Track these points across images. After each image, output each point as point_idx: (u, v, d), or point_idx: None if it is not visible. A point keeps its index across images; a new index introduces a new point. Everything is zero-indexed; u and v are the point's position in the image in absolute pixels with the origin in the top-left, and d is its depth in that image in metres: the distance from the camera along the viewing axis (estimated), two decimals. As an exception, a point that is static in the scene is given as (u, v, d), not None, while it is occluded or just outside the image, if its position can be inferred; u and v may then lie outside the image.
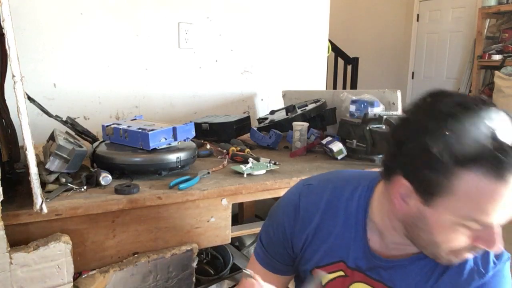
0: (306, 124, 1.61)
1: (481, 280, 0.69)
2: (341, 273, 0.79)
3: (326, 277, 0.48)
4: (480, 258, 0.71)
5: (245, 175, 1.25)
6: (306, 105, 1.84)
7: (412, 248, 0.72)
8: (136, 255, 1.09)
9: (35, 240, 0.95)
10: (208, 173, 1.25)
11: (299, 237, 0.82)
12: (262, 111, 2.27)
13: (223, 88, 2.13)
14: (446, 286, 0.71)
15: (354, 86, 3.70)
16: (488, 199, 0.57)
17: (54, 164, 1.06)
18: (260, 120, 1.98)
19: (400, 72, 5.51)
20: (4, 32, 0.83)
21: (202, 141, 1.65)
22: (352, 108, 1.61)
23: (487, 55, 4.26)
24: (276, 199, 1.47)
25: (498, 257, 0.71)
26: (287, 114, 1.87)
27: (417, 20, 5.35)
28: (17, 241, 0.93)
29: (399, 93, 1.61)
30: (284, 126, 1.78)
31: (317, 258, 0.81)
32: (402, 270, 0.75)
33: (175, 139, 1.25)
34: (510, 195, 0.57)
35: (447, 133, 0.57)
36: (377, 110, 1.52)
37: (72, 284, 0.99)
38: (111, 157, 1.20)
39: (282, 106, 2.12)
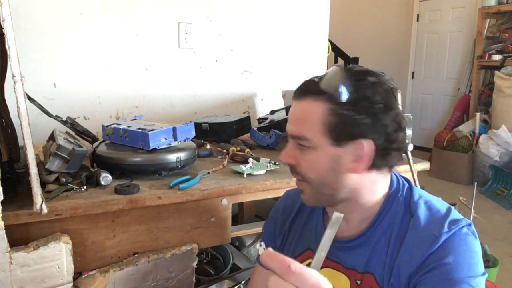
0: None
1: (435, 245, 0.70)
2: (310, 260, 0.86)
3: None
4: (435, 224, 0.72)
5: (245, 175, 1.25)
6: (306, 105, 1.84)
7: (364, 222, 0.79)
8: (136, 255, 1.09)
9: (35, 240, 0.95)
10: (208, 173, 1.25)
11: (280, 232, 0.95)
12: (262, 111, 2.27)
13: (223, 88, 2.13)
14: (406, 257, 0.72)
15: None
16: None
17: (54, 164, 1.06)
18: (260, 120, 1.98)
19: (400, 72, 5.51)
20: (4, 32, 0.83)
21: (202, 141, 1.65)
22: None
23: (487, 55, 4.26)
24: (276, 199, 1.47)
25: (454, 222, 0.72)
26: (287, 114, 1.87)
27: (417, 20, 5.35)
28: (17, 241, 0.93)
29: (399, 93, 1.60)
30: (284, 126, 1.76)
31: (292, 249, 0.90)
32: (356, 248, 0.79)
33: (175, 139, 1.25)
34: (292, 111, 0.81)
35: None
36: (377, 110, 1.51)
37: (72, 284, 0.99)
38: (111, 157, 1.20)
39: (282, 106, 2.12)
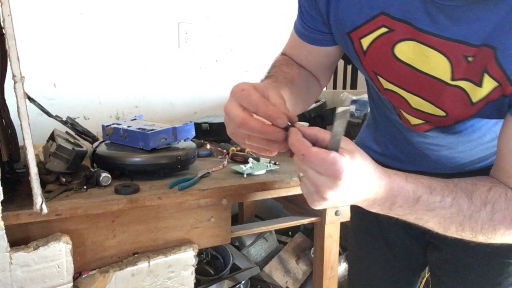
0: (306, 124, 1.61)
1: None
2: (383, 29, 0.63)
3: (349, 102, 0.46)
4: None
5: (245, 175, 1.25)
6: (306, 105, 1.84)
7: None
8: (136, 255, 1.09)
9: (35, 240, 0.95)
10: (208, 173, 1.25)
11: None
12: (262, 111, 2.27)
13: (223, 88, 2.14)
14: None
15: (354, 86, 3.70)
16: None
17: (54, 164, 1.06)
18: (260, 120, 1.98)
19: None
20: (4, 32, 0.83)
21: (202, 141, 1.65)
22: (352, 108, 1.61)
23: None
24: (276, 199, 1.47)
25: None
26: (287, 114, 1.87)
27: (417, 20, 5.35)
28: (17, 241, 0.93)
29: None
30: (284, 126, 1.77)
31: (352, 16, 0.67)
32: (475, 9, 0.52)
33: (175, 139, 1.25)
34: None
35: None
36: (377, 110, 1.51)
37: (72, 284, 0.99)
38: (111, 157, 1.20)
39: (282, 106, 2.12)
